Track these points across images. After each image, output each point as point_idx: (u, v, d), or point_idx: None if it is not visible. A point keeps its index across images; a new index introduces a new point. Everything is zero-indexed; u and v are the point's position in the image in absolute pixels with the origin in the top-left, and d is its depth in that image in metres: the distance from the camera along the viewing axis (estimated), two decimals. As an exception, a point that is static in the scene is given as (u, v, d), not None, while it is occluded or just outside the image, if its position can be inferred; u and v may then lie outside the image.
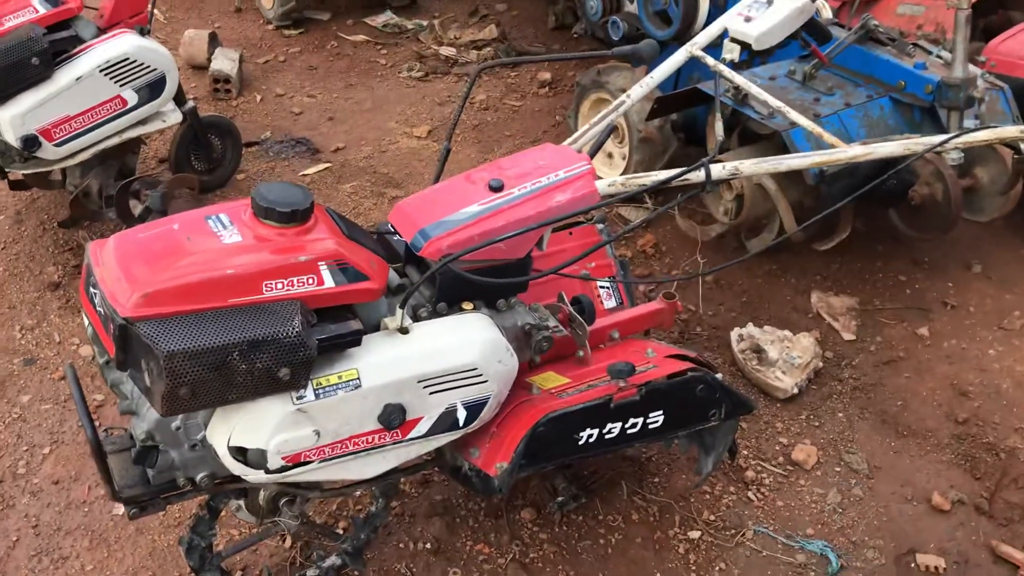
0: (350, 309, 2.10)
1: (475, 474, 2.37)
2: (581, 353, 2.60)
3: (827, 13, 3.64)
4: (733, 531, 2.92)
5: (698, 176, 2.32)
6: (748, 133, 3.85)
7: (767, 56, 3.61)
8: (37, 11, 3.69)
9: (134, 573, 2.81)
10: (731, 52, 3.02)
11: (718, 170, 2.34)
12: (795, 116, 2.84)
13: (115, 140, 3.87)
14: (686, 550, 2.86)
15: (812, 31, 3.46)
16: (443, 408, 2.18)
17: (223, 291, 1.91)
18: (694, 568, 2.81)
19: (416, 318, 2.25)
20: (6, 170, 3.86)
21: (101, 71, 3.69)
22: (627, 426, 2.45)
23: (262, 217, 2.01)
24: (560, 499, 2.86)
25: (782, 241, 3.50)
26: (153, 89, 3.86)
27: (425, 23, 6.66)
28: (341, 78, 5.99)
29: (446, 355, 2.15)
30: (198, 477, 2.15)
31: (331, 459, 2.10)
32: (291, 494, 2.39)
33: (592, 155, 2.52)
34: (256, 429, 1.98)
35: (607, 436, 2.44)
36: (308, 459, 2.06)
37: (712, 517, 2.96)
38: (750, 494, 3.05)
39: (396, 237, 2.46)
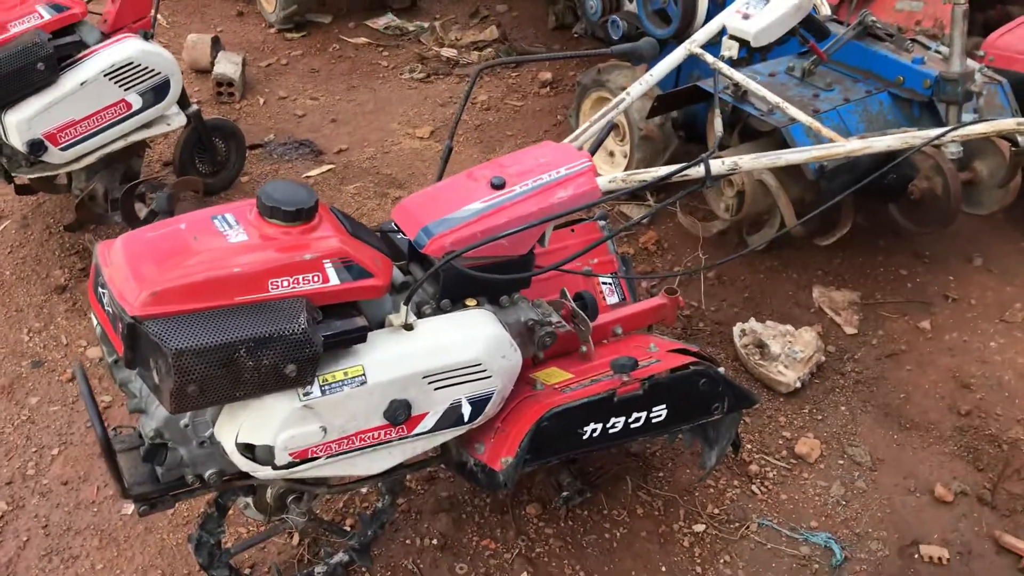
0: (355, 306, 2.13)
1: (480, 469, 2.40)
2: (584, 349, 2.62)
3: (825, 10, 3.66)
4: (737, 524, 2.94)
5: (698, 172, 2.34)
6: (748, 130, 3.87)
7: (766, 53, 3.62)
8: (42, 17, 3.72)
9: (144, 572, 2.83)
10: (730, 49, 3.04)
11: (717, 165, 2.36)
12: (794, 112, 2.86)
13: (120, 144, 3.90)
14: (691, 543, 2.88)
15: (810, 27, 3.49)
16: (448, 404, 2.20)
17: (230, 289, 1.93)
18: (699, 561, 2.83)
19: (420, 315, 2.28)
20: (12, 175, 3.89)
21: (106, 75, 3.72)
22: (631, 420, 2.47)
23: (267, 216, 2.04)
24: (565, 494, 2.89)
25: (783, 236, 3.53)
26: (157, 93, 3.89)
27: (426, 25, 6.69)
28: (343, 80, 6.02)
29: (450, 351, 2.17)
30: (207, 474, 2.17)
31: (338, 455, 2.12)
32: (298, 491, 2.42)
33: (593, 152, 2.54)
34: (263, 425, 2.00)
35: (611, 430, 2.46)
36: (315, 455, 2.08)
37: (716, 511, 2.98)
38: (754, 487, 3.07)
39: (399, 235, 2.49)
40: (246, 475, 2.16)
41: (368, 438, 2.14)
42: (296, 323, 1.92)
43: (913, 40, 3.80)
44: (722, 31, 3.17)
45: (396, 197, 4.70)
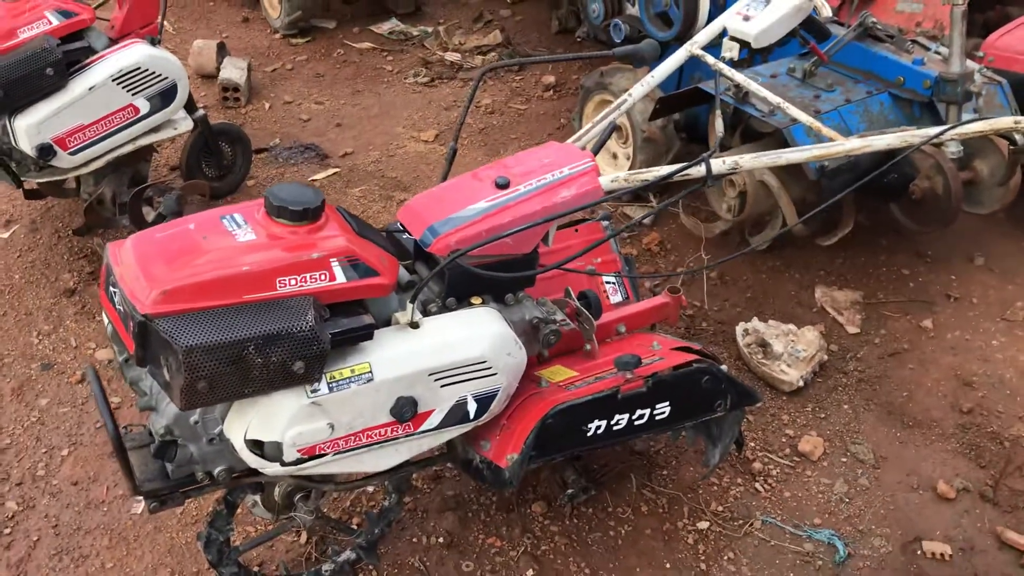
0: (361, 304, 2.16)
1: (486, 466, 2.42)
2: (588, 347, 2.65)
3: (826, 11, 3.68)
4: (741, 521, 2.96)
5: (699, 171, 2.37)
6: (750, 131, 3.90)
7: (767, 54, 3.66)
8: (51, 23, 3.76)
9: (153, 570, 2.86)
10: (731, 51, 3.06)
11: (718, 165, 2.39)
12: (795, 112, 2.89)
13: (128, 148, 3.94)
14: (695, 540, 2.90)
15: (811, 29, 3.52)
16: (454, 401, 2.23)
17: (238, 288, 1.97)
18: (703, 558, 2.85)
19: (426, 313, 2.30)
20: (22, 179, 3.93)
21: (114, 80, 3.76)
22: (634, 417, 2.50)
23: (275, 216, 2.07)
24: (570, 491, 2.91)
25: (785, 234, 3.55)
26: (165, 97, 3.93)
27: (430, 29, 6.73)
28: (348, 85, 6.06)
29: (456, 348, 2.20)
30: (216, 471, 2.20)
31: (345, 452, 2.15)
32: (306, 488, 2.45)
33: (595, 152, 2.57)
34: (272, 422, 2.03)
35: (615, 427, 2.48)
36: (323, 452, 2.11)
37: (720, 508, 3.00)
38: (757, 485, 3.09)
39: (405, 235, 2.52)
40: (255, 472, 2.19)
41: (375, 435, 2.17)
42: (304, 321, 1.95)
43: (913, 41, 3.83)
44: (723, 33, 3.20)
45: (401, 200, 4.73)
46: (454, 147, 2.71)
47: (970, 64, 3.59)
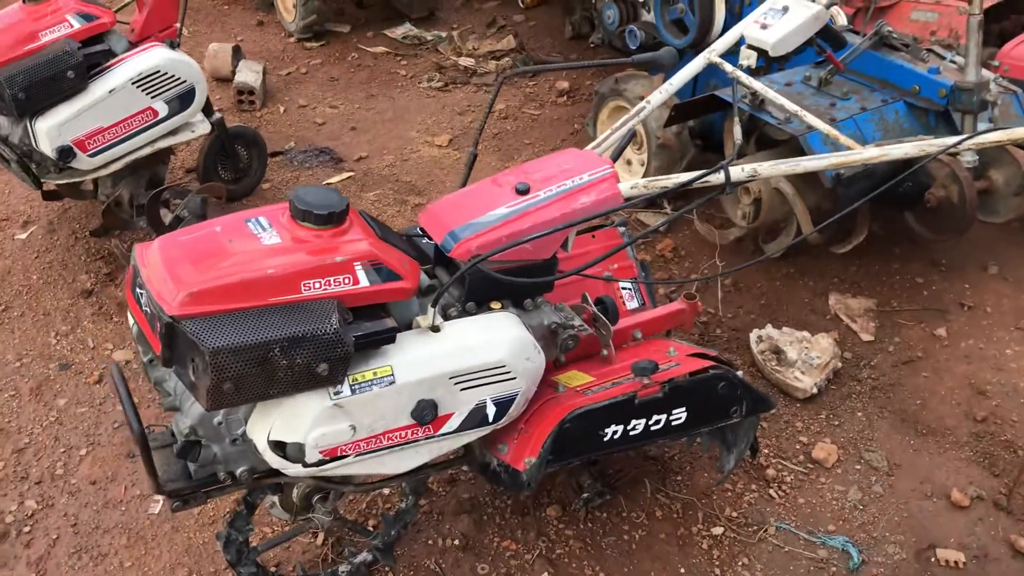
0: (383, 308, 2.18)
1: (504, 470, 2.44)
2: (605, 352, 2.67)
3: (842, 20, 3.71)
4: (755, 527, 2.98)
5: (718, 178, 2.39)
6: (765, 139, 3.92)
7: (783, 62, 3.67)
8: (72, 26, 3.80)
9: (171, 569, 2.89)
10: (748, 58, 3.09)
11: (737, 172, 2.41)
12: (811, 120, 2.91)
13: (147, 150, 3.97)
14: (709, 546, 2.91)
15: (827, 37, 3.53)
16: (473, 404, 2.25)
17: (264, 290, 1.99)
18: (717, 563, 2.86)
19: (446, 317, 2.32)
20: (41, 180, 3.96)
21: (133, 83, 3.79)
22: (651, 423, 2.52)
23: (300, 220, 2.10)
24: (585, 495, 2.92)
25: (800, 243, 3.56)
26: (183, 100, 3.96)
27: (444, 34, 6.76)
28: (362, 89, 6.09)
29: (476, 352, 2.22)
30: (238, 471, 2.22)
31: (366, 453, 2.17)
32: (325, 490, 2.46)
33: (614, 159, 2.59)
34: (295, 424, 2.06)
35: (631, 432, 2.50)
36: (344, 453, 2.13)
37: (734, 514, 3.02)
38: (771, 491, 3.10)
39: (424, 240, 2.54)
40: (276, 473, 2.21)
41: (396, 437, 2.19)
42: (328, 323, 1.97)
43: (928, 50, 3.85)
44: (740, 41, 3.22)
45: (415, 204, 4.76)
46: (474, 152, 2.73)
47: (986, 73, 3.61)
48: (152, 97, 3.86)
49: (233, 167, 4.66)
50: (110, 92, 3.76)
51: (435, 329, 2.23)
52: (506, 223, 2.33)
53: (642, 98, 4.22)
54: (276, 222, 2.12)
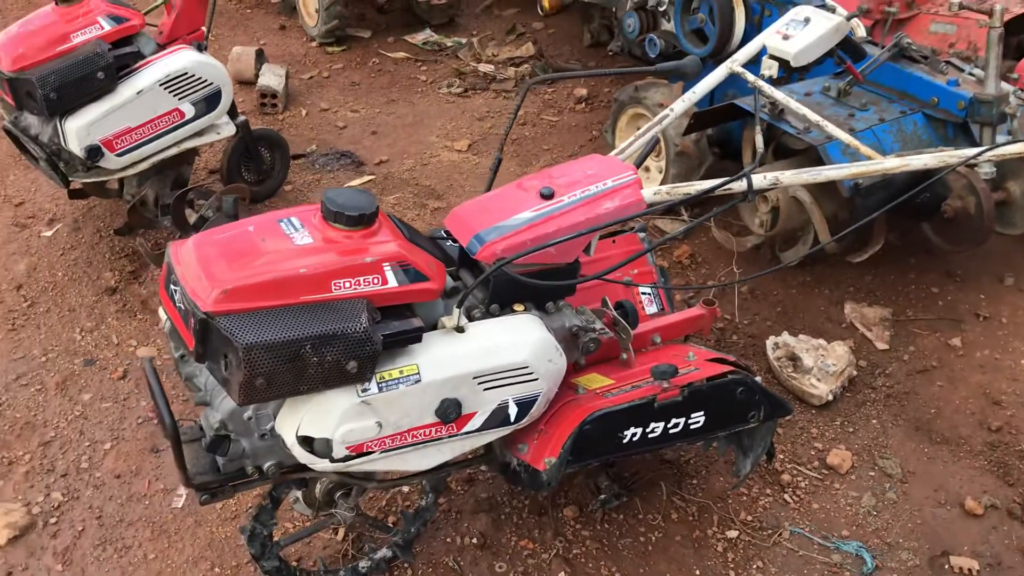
0: (410, 308, 2.23)
1: (524, 469, 2.48)
2: (624, 356, 2.70)
3: (861, 31, 3.75)
4: (770, 531, 3.01)
5: (740, 186, 2.43)
6: (782, 148, 3.95)
7: (803, 73, 3.71)
8: (103, 28, 3.87)
9: (194, 562, 2.94)
10: (770, 68, 3.13)
11: (759, 180, 2.45)
12: (832, 129, 2.95)
13: (173, 151, 4.04)
14: (724, 548, 2.95)
15: (847, 49, 3.57)
16: (496, 404, 2.29)
17: (295, 289, 2.04)
18: (732, 566, 2.89)
19: (470, 318, 2.37)
20: (69, 179, 4.02)
21: (161, 85, 3.86)
22: (670, 426, 2.55)
23: (331, 221, 2.15)
24: (603, 497, 2.96)
25: (817, 251, 3.59)
26: (209, 102, 4.03)
27: (464, 41, 6.82)
28: (383, 94, 6.15)
29: (500, 353, 2.27)
30: (266, 466, 2.27)
31: (391, 450, 2.22)
32: (348, 485, 2.51)
33: (637, 165, 2.63)
34: (323, 419, 2.11)
35: (650, 435, 2.54)
36: (370, 449, 2.18)
37: (749, 518, 3.05)
38: (786, 496, 3.13)
39: (449, 243, 2.59)
40: (303, 468, 2.26)
41: (420, 435, 2.24)
42: (358, 322, 2.02)
43: (947, 62, 3.88)
44: (761, 51, 3.27)
45: (435, 208, 4.81)
46: (499, 157, 2.78)
47: (1005, 86, 3.64)
48: (179, 99, 3.93)
49: (256, 169, 4.72)
50: (138, 93, 3.83)
51: (460, 330, 2.28)
52: (531, 227, 2.37)
53: (661, 106, 4.29)
54: (308, 223, 2.18)
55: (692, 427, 2.59)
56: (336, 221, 2.15)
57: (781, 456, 3.27)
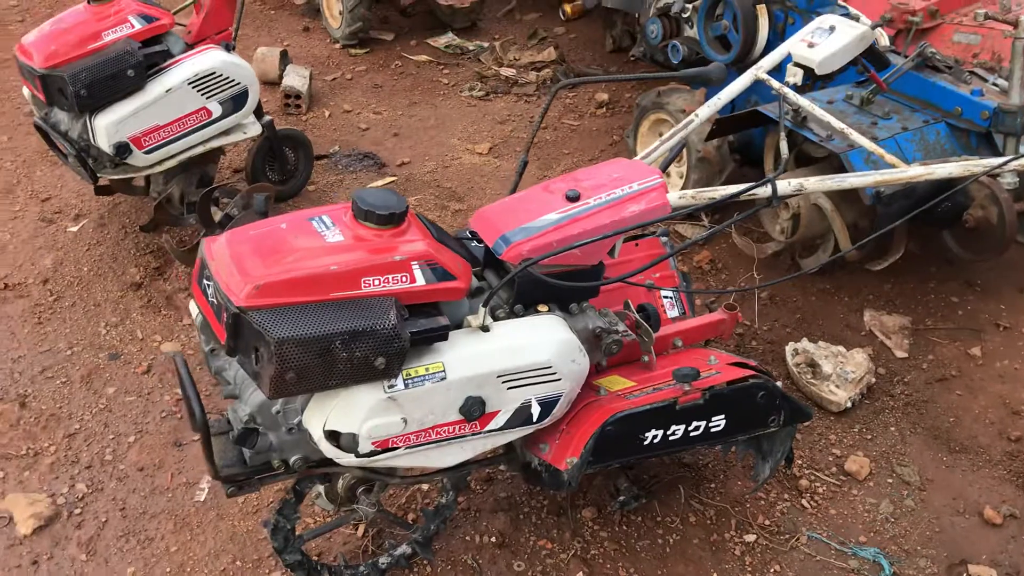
0: (435, 307, 2.26)
1: (545, 469, 2.51)
2: (646, 358, 2.72)
3: (884, 40, 3.76)
4: (787, 536, 3.02)
5: (765, 191, 2.45)
6: (802, 156, 3.96)
7: (827, 81, 3.72)
8: (133, 27, 3.92)
9: (215, 556, 2.97)
10: (794, 76, 3.14)
11: (783, 186, 2.46)
12: (856, 137, 2.96)
13: (200, 149, 4.09)
14: (742, 552, 2.96)
15: (871, 57, 3.58)
16: (519, 403, 2.32)
17: (326, 286, 2.07)
18: (750, 569, 2.91)
19: (495, 318, 2.39)
20: (98, 175, 4.07)
21: (189, 84, 3.91)
22: (690, 428, 2.57)
23: (361, 219, 2.18)
24: (622, 498, 2.98)
25: (838, 259, 3.60)
26: (236, 102, 4.08)
27: (486, 45, 6.86)
28: (405, 96, 6.20)
29: (524, 353, 2.29)
30: (292, 459, 2.31)
31: (415, 446, 2.25)
32: (371, 481, 2.54)
33: (663, 169, 2.65)
34: (350, 415, 2.14)
35: (671, 437, 2.56)
36: (395, 445, 2.21)
37: (767, 522, 3.06)
38: (804, 501, 3.15)
39: (474, 243, 2.62)
40: (328, 462, 2.29)
41: (444, 432, 2.27)
42: (387, 319, 2.06)
43: (971, 72, 3.89)
44: (785, 59, 3.28)
45: (455, 210, 4.84)
46: (525, 159, 2.81)
47: (1029, 96, 3.64)
48: (207, 98, 3.98)
49: (281, 169, 4.77)
50: (167, 91, 3.88)
51: (485, 329, 2.30)
52: (557, 228, 2.40)
53: (683, 112, 4.31)
54: (339, 221, 2.21)
55: (713, 430, 2.61)
56: (366, 220, 2.18)
57: (799, 461, 3.28)
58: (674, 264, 3.15)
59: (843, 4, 4.49)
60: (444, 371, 2.19)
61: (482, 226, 2.51)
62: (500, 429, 2.35)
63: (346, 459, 2.20)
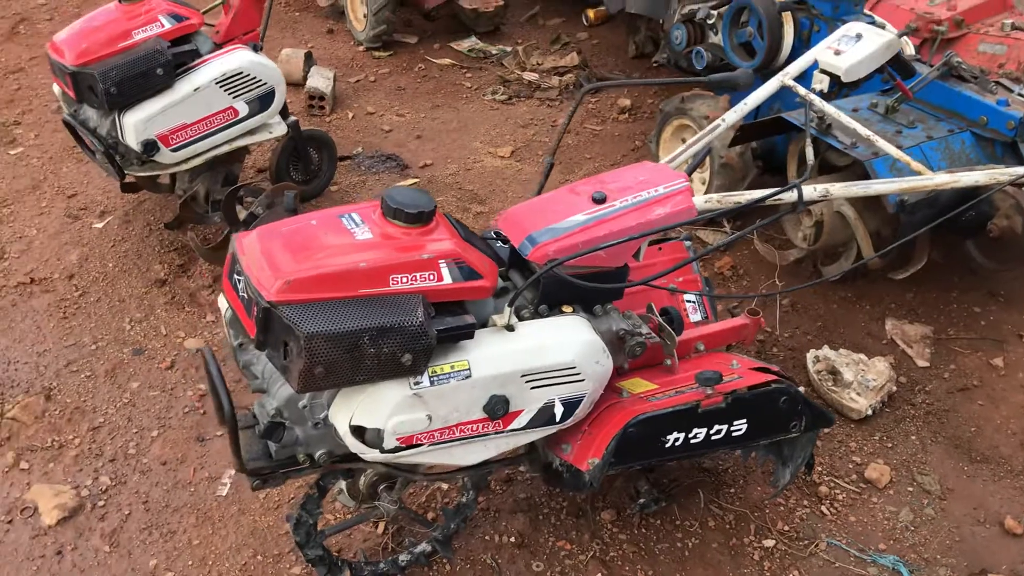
0: (462, 305, 2.28)
1: (566, 469, 2.52)
2: (669, 362, 2.73)
3: (910, 49, 3.76)
4: (806, 542, 3.02)
5: (791, 196, 2.46)
6: (825, 164, 3.96)
7: (851, 89, 3.72)
8: (163, 26, 3.96)
9: (237, 550, 3.00)
10: (821, 83, 3.15)
11: (809, 191, 2.47)
12: (883, 144, 2.96)
13: (225, 148, 4.12)
14: (760, 557, 2.96)
15: (896, 66, 3.58)
16: (542, 402, 2.33)
17: (355, 282, 2.10)
18: (768, 574, 2.91)
19: (519, 318, 2.40)
20: (125, 172, 4.11)
21: (217, 83, 3.95)
22: (712, 432, 2.58)
23: (390, 217, 2.21)
24: (642, 501, 2.98)
25: (860, 267, 3.60)
26: (263, 102, 4.11)
27: (508, 49, 6.89)
28: (428, 99, 6.23)
29: (548, 353, 2.31)
30: (317, 454, 2.33)
31: (439, 443, 2.26)
32: (393, 478, 2.56)
33: (689, 173, 2.67)
34: (376, 410, 2.15)
35: (692, 441, 2.56)
36: (419, 442, 2.23)
37: (786, 527, 3.06)
38: (823, 508, 3.14)
39: (498, 244, 2.63)
40: (352, 457, 2.31)
41: (467, 430, 2.28)
42: (415, 316, 2.07)
43: (997, 82, 3.88)
44: (811, 66, 3.29)
45: (477, 212, 4.86)
46: (551, 161, 2.82)
47: (1055, 107, 3.63)
48: (234, 97, 4.02)
49: (305, 169, 4.80)
50: (195, 90, 3.91)
51: (510, 328, 2.32)
52: (583, 230, 2.41)
53: (707, 118, 4.32)
54: (368, 219, 2.23)
55: (734, 434, 2.62)
56: (395, 218, 2.20)
57: (819, 468, 3.28)
58: (697, 269, 3.16)
59: (868, 12, 4.50)
60: (469, 369, 2.21)
61: (508, 226, 2.52)
62: (523, 428, 2.36)
63: (371, 454, 2.22)
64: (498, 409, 2.26)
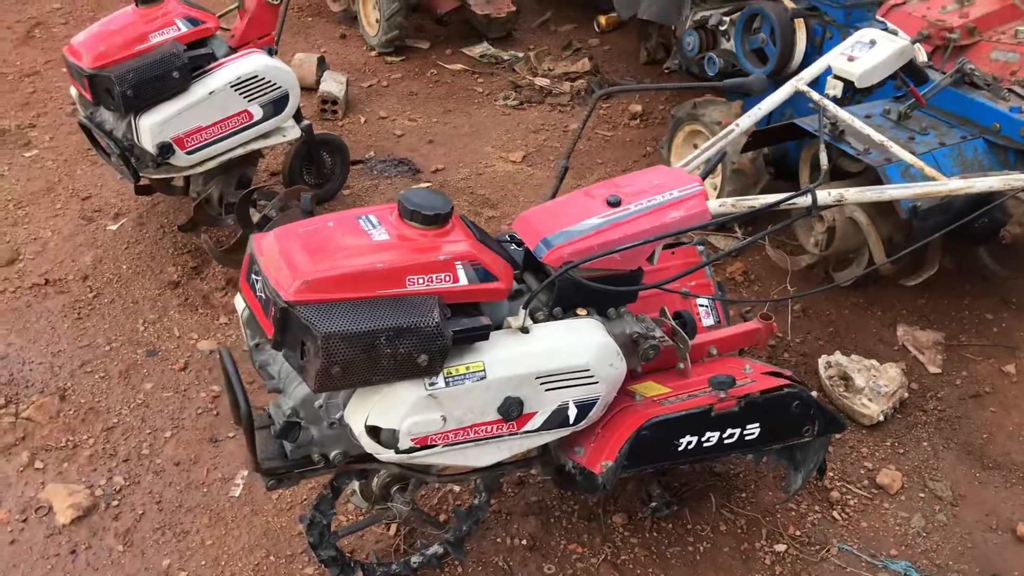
0: (477, 307, 2.29)
1: (579, 472, 2.53)
2: (681, 365, 2.74)
3: (922, 56, 3.76)
4: (818, 547, 3.02)
5: (805, 200, 2.47)
6: (837, 170, 3.96)
7: (864, 95, 3.73)
8: (180, 29, 3.99)
9: (249, 550, 3.01)
10: (834, 88, 3.16)
11: (823, 196, 2.48)
12: (897, 150, 2.97)
13: (240, 151, 4.15)
14: (772, 562, 2.96)
15: (909, 72, 3.59)
16: (556, 404, 2.34)
17: (372, 283, 2.11)
18: (780, 579, 2.92)
19: (534, 320, 2.42)
20: (140, 174, 4.14)
21: (232, 87, 3.98)
22: (724, 436, 2.59)
23: (407, 219, 2.22)
24: (653, 505, 2.99)
25: (872, 272, 3.60)
26: (277, 105, 4.14)
27: (520, 55, 6.91)
28: (440, 104, 6.25)
29: (562, 355, 2.32)
30: (332, 454, 2.34)
31: (453, 444, 2.27)
32: (406, 479, 2.57)
33: (703, 177, 2.67)
34: (391, 411, 2.17)
35: (705, 444, 2.57)
36: (433, 443, 2.24)
37: (797, 532, 3.06)
38: (835, 513, 3.14)
39: (513, 247, 2.65)
40: (367, 458, 2.32)
41: (481, 431, 2.29)
42: (431, 317, 2.09)
43: (1009, 89, 3.88)
44: (825, 71, 3.30)
45: (489, 216, 4.88)
46: (565, 165, 2.84)
47: (1068, 114, 3.63)
48: (249, 100, 4.04)
49: (318, 172, 4.82)
50: (210, 94, 3.94)
51: (525, 330, 2.33)
52: (598, 233, 2.42)
53: (719, 124, 4.33)
54: (385, 220, 2.25)
55: (747, 438, 2.62)
56: (412, 219, 2.22)
57: (831, 474, 3.28)
58: (710, 273, 3.17)
59: (881, 19, 4.51)
60: (484, 370, 2.22)
61: (523, 229, 2.54)
62: (537, 430, 2.37)
63: (385, 455, 2.23)
64: (512, 411, 2.27)
